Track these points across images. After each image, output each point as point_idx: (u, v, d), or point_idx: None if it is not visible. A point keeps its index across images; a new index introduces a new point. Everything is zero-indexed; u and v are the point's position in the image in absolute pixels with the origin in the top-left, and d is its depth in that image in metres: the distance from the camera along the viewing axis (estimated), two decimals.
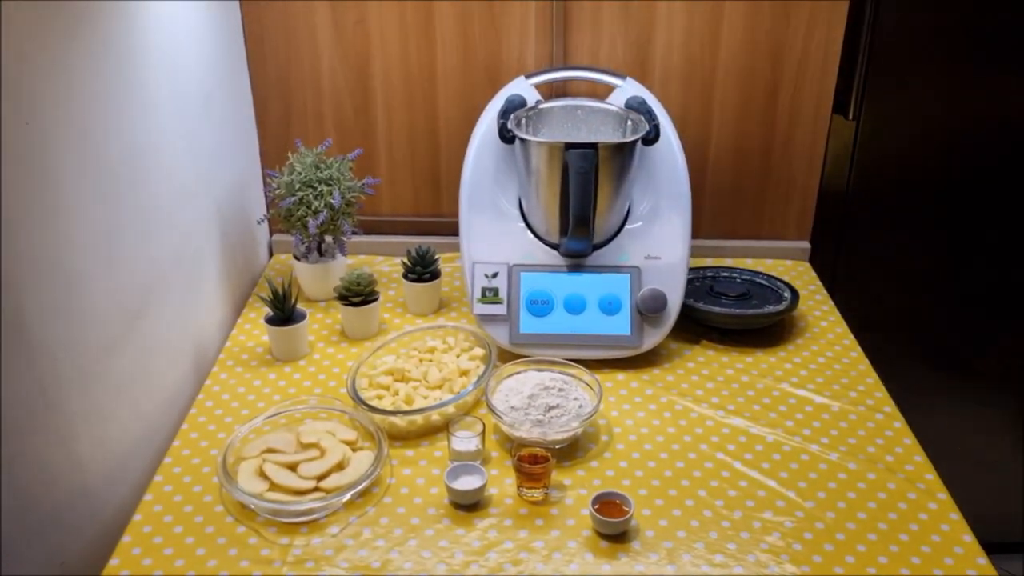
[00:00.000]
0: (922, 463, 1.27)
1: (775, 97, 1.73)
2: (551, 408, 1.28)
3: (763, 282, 1.67)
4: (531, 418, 1.27)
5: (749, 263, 1.81)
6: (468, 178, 1.54)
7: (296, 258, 1.67)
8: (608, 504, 1.15)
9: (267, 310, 1.50)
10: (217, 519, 1.16)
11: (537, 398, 1.30)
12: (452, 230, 1.59)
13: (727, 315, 1.55)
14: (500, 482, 1.22)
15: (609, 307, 1.47)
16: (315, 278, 1.66)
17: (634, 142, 1.45)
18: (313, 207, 1.58)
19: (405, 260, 1.63)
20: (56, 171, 1.04)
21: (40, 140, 1.00)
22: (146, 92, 1.28)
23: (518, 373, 1.37)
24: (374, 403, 1.33)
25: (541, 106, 1.56)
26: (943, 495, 1.21)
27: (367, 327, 1.56)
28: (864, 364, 1.50)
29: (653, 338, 1.48)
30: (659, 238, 1.52)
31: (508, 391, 1.33)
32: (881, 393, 1.43)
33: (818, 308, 1.67)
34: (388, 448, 1.25)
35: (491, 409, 1.28)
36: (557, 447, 1.27)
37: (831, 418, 1.36)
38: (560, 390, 1.32)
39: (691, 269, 1.59)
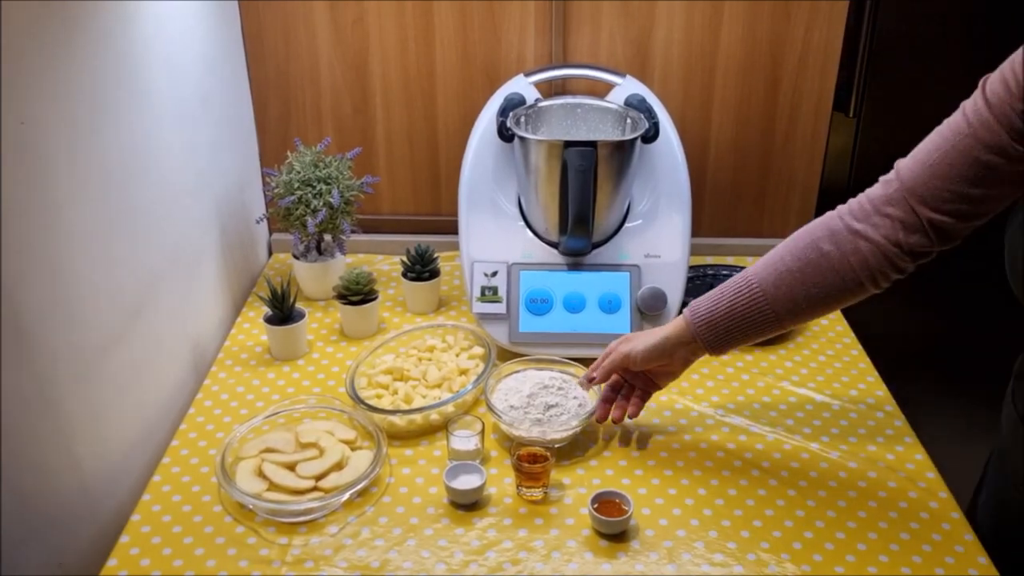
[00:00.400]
0: (923, 461, 1.26)
1: (775, 94, 1.72)
2: (550, 407, 1.28)
3: None
4: (530, 417, 1.26)
5: (750, 261, 1.80)
6: (467, 176, 1.54)
7: (295, 257, 1.67)
8: (607, 503, 1.15)
9: (266, 309, 1.50)
10: (216, 519, 1.16)
11: (536, 397, 1.29)
12: (451, 229, 1.59)
13: None
14: (499, 481, 1.22)
15: (609, 306, 1.47)
16: (314, 277, 1.66)
17: (633, 140, 1.45)
18: (312, 206, 1.57)
19: (404, 259, 1.63)
20: (53, 171, 1.04)
21: (36, 140, 1.00)
22: (144, 91, 1.27)
23: (517, 372, 1.37)
24: (373, 402, 1.33)
25: (540, 104, 1.55)
26: (944, 494, 1.20)
27: (366, 326, 1.56)
28: (864, 362, 1.50)
29: None
30: (659, 236, 1.51)
31: (507, 390, 1.33)
32: (882, 391, 1.42)
33: None
34: (387, 447, 1.24)
35: (490, 408, 1.27)
36: (556, 446, 1.26)
37: (831, 416, 1.36)
38: (559, 389, 1.31)
39: (691, 267, 1.58)
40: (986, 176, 1.00)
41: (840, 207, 1.12)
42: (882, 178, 1.09)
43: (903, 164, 1.07)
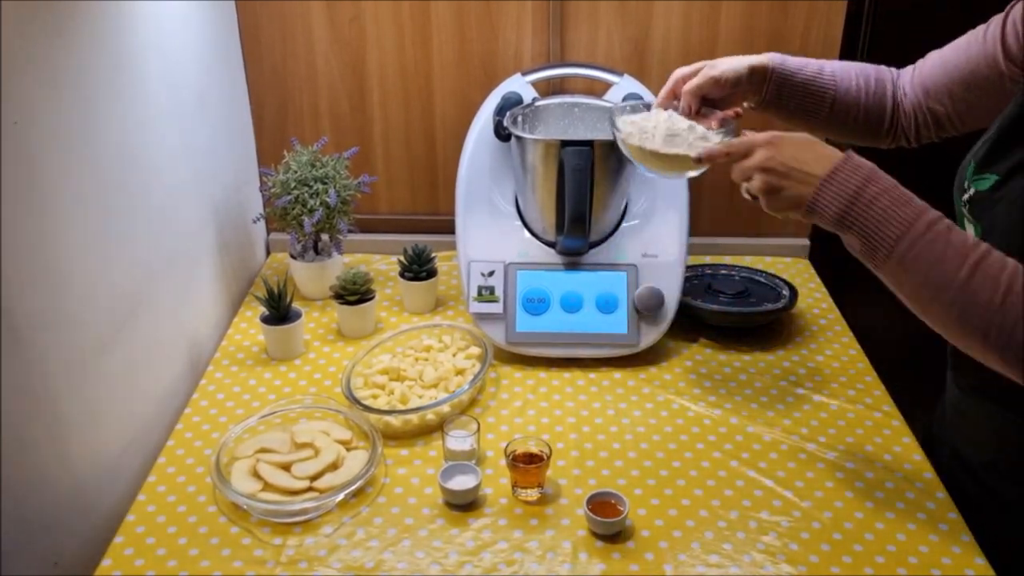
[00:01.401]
0: (920, 462, 1.26)
1: None
2: (691, 128, 1.20)
3: (762, 280, 1.66)
4: (694, 134, 1.19)
5: (748, 260, 1.80)
6: (464, 176, 1.54)
7: (292, 257, 1.66)
8: (603, 504, 1.14)
9: (263, 309, 1.49)
10: (210, 519, 1.15)
11: (673, 123, 1.21)
12: (448, 228, 1.58)
13: (725, 313, 1.54)
14: (495, 482, 1.22)
15: (606, 305, 1.47)
16: (311, 277, 1.65)
17: None
18: (309, 205, 1.57)
19: (401, 259, 1.63)
20: (47, 170, 1.03)
21: (30, 139, 1.00)
22: (140, 90, 1.27)
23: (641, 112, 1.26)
24: (369, 402, 1.32)
25: (537, 103, 1.55)
26: (941, 494, 1.20)
27: (363, 326, 1.56)
28: (863, 362, 1.49)
29: (650, 336, 1.47)
30: (656, 235, 1.51)
31: (638, 128, 1.21)
32: (880, 391, 1.42)
33: (817, 306, 1.66)
34: (382, 447, 1.24)
35: (624, 145, 1.19)
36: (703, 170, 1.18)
37: (829, 416, 1.35)
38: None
39: (689, 267, 1.58)
40: (978, 84, 1.11)
41: (886, 67, 1.24)
42: (917, 62, 1.21)
43: (930, 55, 1.20)
